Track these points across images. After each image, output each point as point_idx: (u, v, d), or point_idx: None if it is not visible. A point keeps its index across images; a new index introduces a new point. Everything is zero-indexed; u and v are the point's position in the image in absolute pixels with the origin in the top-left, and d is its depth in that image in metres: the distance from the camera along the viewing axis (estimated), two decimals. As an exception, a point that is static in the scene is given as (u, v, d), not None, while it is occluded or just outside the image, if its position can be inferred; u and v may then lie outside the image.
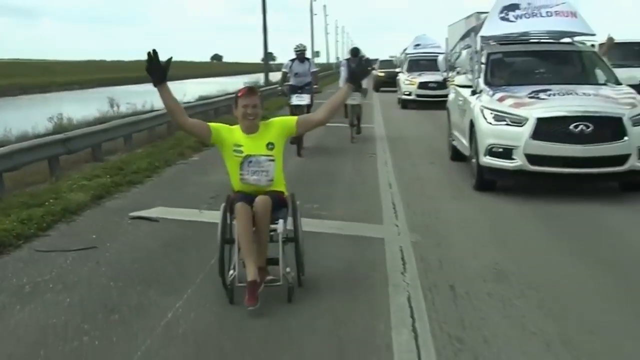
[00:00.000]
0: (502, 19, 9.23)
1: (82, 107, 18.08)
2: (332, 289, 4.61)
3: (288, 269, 4.32)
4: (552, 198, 7.40)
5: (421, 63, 23.13)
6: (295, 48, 11.32)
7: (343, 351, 3.65)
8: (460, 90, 9.55)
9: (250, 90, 4.58)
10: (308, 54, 11.82)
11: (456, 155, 10.02)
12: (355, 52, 13.16)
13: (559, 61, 9.31)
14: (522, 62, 9.33)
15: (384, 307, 4.24)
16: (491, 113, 7.72)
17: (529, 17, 9.13)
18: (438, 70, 21.23)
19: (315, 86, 11.55)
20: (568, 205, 7.09)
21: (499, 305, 4.27)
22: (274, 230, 4.34)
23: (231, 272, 4.32)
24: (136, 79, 49.06)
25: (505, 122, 7.57)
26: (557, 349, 3.61)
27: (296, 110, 10.56)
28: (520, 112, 7.47)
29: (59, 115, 13.70)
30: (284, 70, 11.75)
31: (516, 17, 9.18)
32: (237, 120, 4.46)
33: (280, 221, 4.37)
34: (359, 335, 3.84)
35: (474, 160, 8.14)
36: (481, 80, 8.61)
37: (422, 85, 21.23)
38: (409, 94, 21.59)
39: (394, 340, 3.74)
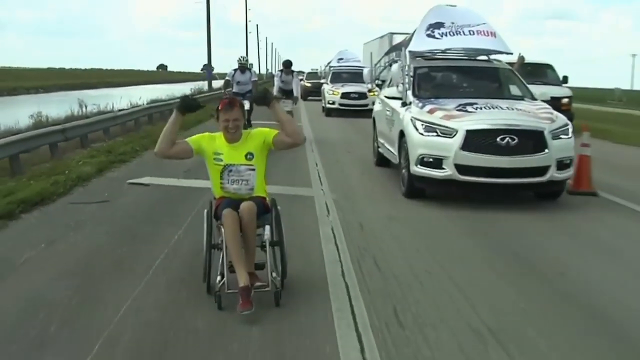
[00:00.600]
0: (428, 35, 9.61)
1: (52, 107, 21.50)
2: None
3: (274, 274, 4.43)
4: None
5: (344, 75, 24.81)
6: (238, 60, 12.88)
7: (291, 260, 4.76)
8: (389, 101, 9.85)
9: (231, 104, 4.51)
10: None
11: (381, 161, 10.64)
12: (287, 64, 14.25)
13: (480, 76, 9.79)
14: (447, 77, 9.76)
15: (316, 235, 6.41)
16: (422, 124, 8.02)
17: (452, 35, 9.56)
18: (359, 82, 22.67)
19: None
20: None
21: (391, 233, 6.67)
22: (259, 234, 4.47)
23: (219, 278, 4.33)
24: (91, 85, 62.54)
25: (435, 134, 7.88)
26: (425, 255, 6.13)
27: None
28: (450, 124, 7.80)
29: (38, 113, 17.05)
30: (227, 78, 13.09)
31: (441, 35, 9.59)
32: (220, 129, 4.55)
33: (267, 227, 4.48)
34: (298, 246, 5.60)
35: (404, 170, 8.44)
36: (409, 93, 8.93)
37: (345, 96, 22.66)
38: (333, 103, 22.91)
39: (323, 250, 5.85)
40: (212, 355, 3.76)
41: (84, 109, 19.43)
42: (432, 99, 8.72)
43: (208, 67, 41.04)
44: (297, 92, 13.99)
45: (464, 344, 3.88)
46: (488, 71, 9.89)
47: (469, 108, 8.19)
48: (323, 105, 24.70)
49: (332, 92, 23.15)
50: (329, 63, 29.65)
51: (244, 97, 11.71)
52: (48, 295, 4.64)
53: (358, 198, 8.50)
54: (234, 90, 12.55)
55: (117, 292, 4.67)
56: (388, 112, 9.87)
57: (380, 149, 10.77)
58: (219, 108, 4.48)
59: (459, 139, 7.65)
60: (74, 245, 5.98)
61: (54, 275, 5.11)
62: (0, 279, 4.99)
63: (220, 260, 4.39)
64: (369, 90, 22.27)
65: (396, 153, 9.05)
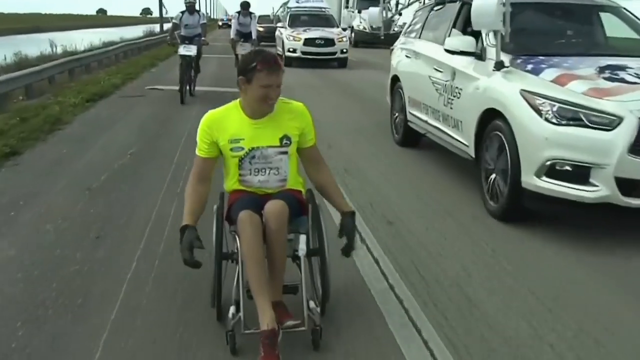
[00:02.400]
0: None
1: (22, 48, 21.78)
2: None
3: (312, 304, 2.94)
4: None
5: (305, 18, 20.90)
6: (185, 1, 11.69)
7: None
8: (439, 56, 6.37)
9: (276, 62, 2.95)
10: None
11: (407, 139, 7.72)
12: (245, 5, 13.43)
13: (583, 21, 6.31)
14: (546, 21, 6.16)
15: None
16: (552, 105, 4.53)
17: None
18: (325, 26, 19.79)
19: (203, 38, 11.81)
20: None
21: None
22: (290, 239, 3.04)
23: (232, 310, 2.89)
24: (41, 29, 65.11)
25: (579, 122, 4.42)
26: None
27: (183, 60, 11.11)
28: (608, 105, 4.35)
29: (19, 52, 19.27)
30: (174, 21, 12.03)
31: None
32: (245, 99, 3.03)
33: (302, 237, 3.04)
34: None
35: (497, 179, 5.00)
36: (496, 46, 5.36)
37: (309, 42, 18.88)
38: (294, 51, 19.12)
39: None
40: None
41: (54, 49, 21.10)
42: (542, 58, 5.20)
43: (161, 6, 36.00)
44: (255, 34, 13.46)
45: None
46: (590, 12, 6.40)
47: (621, 74, 4.74)
48: (279, 53, 20.76)
49: (293, 39, 19.23)
50: (285, 3, 25.51)
51: (192, 42, 11.36)
52: (140, 124, 8.94)
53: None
54: (181, 33, 11.60)
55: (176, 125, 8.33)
56: (439, 75, 6.36)
57: (411, 124, 7.31)
58: (256, 67, 2.90)
59: (626, 133, 4.23)
60: (139, 112, 10.17)
61: (137, 122, 9.13)
62: (112, 125, 8.94)
63: (235, 282, 2.97)
64: (339, 37, 19.22)
65: (470, 144, 5.58)
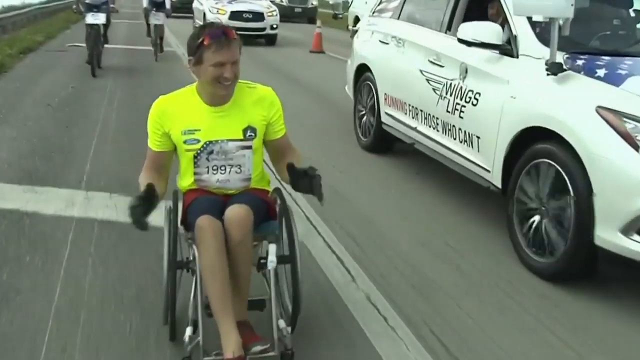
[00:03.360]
0: None
1: None
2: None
3: (282, 323, 2.51)
4: None
5: None
6: None
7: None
8: (440, 46, 4.85)
9: (227, 34, 2.50)
10: None
11: (378, 143, 6.23)
12: None
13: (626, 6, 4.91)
14: (596, 8, 4.64)
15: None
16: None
17: None
18: None
19: (112, 6, 11.33)
20: None
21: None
22: (263, 258, 2.64)
23: (189, 331, 2.44)
24: None
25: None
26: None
27: (91, 29, 10.33)
28: None
29: None
30: None
31: None
32: (200, 84, 2.62)
33: (271, 247, 2.56)
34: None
35: (542, 222, 3.58)
36: (552, 39, 3.85)
37: (235, 16, 16.38)
38: None
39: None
40: None
41: None
42: (609, 59, 3.76)
43: None
44: (169, 4, 12.75)
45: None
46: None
47: None
48: (194, 25, 18.49)
49: (217, 11, 16.73)
50: None
51: (99, 9, 10.52)
52: (72, 70, 10.67)
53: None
54: (87, 1, 10.66)
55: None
56: (436, 70, 4.88)
57: (387, 127, 5.81)
58: (203, 42, 2.49)
59: None
60: (68, 61, 11.58)
61: (69, 68, 10.78)
62: (49, 70, 10.63)
63: (192, 297, 2.52)
64: (269, 10, 17.04)
65: (493, 169, 4.13)
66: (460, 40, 4.35)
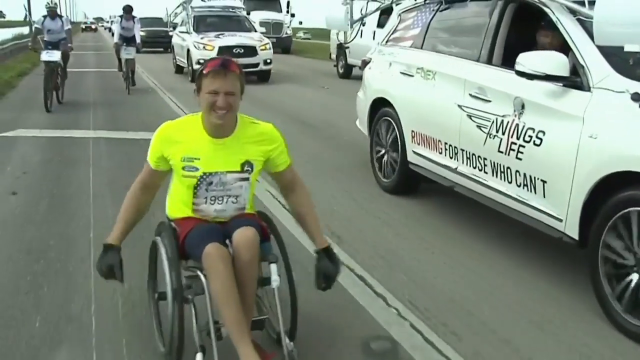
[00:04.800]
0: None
1: None
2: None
3: (288, 341, 2.64)
4: None
5: (213, 20, 16.66)
6: (46, 5, 11.17)
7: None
8: (485, 79, 4.35)
9: (225, 65, 2.62)
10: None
11: (405, 183, 5.71)
12: (128, 9, 13.16)
13: None
14: None
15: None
16: None
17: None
18: (241, 30, 16.26)
19: (69, 45, 11.34)
20: None
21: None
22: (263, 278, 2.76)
23: (199, 357, 2.52)
24: None
25: None
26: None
27: (47, 66, 10.54)
28: None
29: None
30: (36, 26, 11.68)
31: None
32: (201, 109, 2.70)
33: (273, 267, 2.69)
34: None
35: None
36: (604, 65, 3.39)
37: (225, 51, 14.63)
38: None
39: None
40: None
41: None
42: None
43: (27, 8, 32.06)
44: (139, 38, 13.10)
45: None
46: None
47: None
48: (175, 62, 17.76)
49: (204, 47, 14.98)
50: (184, 2, 20.43)
51: (56, 47, 10.85)
52: None
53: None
54: (45, 38, 11.14)
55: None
56: (481, 106, 4.44)
57: (417, 167, 5.31)
58: (203, 72, 2.65)
59: None
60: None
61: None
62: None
63: (195, 324, 2.59)
64: (262, 44, 15.61)
65: (569, 218, 3.61)
66: (520, 73, 3.83)
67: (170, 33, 27.07)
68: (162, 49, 26.58)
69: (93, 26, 71.65)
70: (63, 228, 4.69)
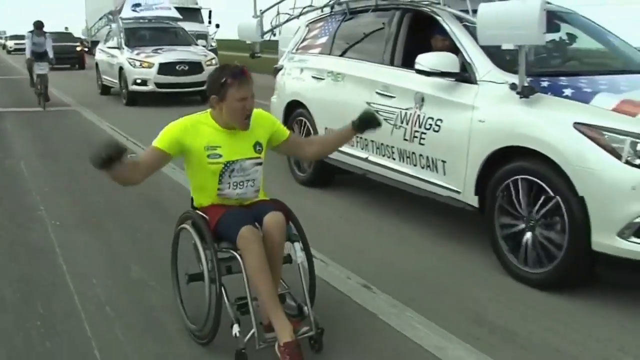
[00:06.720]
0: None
1: None
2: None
3: (306, 310, 2.96)
4: None
5: (146, 33, 14.80)
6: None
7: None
8: (389, 78, 4.99)
9: (244, 73, 2.90)
10: None
11: (320, 176, 6.28)
12: (39, 24, 13.01)
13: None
14: None
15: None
16: (634, 142, 3.36)
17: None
18: (178, 44, 14.34)
19: None
20: None
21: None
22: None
23: (236, 328, 2.79)
24: None
25: None
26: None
27: None
28: None
29: None
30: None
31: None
32: (220, 116, 2.96)
33: (296, 245, 3.03)
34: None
35: (532, 236, 3.77)
36: (520, 65, 4.10)
37: (166, 69, 13.02)
38: (144, 83, 12.99)
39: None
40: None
41: None
42: (567, 79, 4.04)
43: None
44: (51, 53, 13.01)
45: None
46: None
47: None
48: (100, 82, 15.54)
49: (140, 64, 13.07)
50: (109, 13, 17.66)
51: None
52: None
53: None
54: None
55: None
56: (386, 102, 5.05)
57: (331, 160, 5.84)
58: (227, 82, 2.86)
59: None
60: None
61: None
62: None
63: (226, 300, 2.85)
64: (207, 59, 13.78)
65: (464, 190, 4.29)
66: (419, 71, 4.49)
67: (79, 48, 26.01)
68: (68, 65, 25.00)
69: None
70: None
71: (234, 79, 2.88)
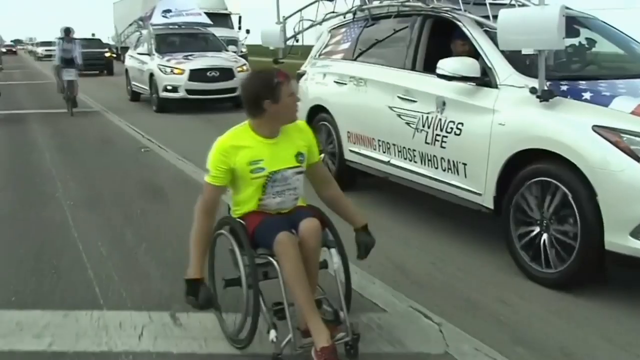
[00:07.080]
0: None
1: None
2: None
3: (342, 315, 2.95)
4: None
5: (177, 39, 14.75)
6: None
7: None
8: (411, 83, 5.10)
9: (284, 72, 2.99)
10: None
11: (343, 179, 6.15)
12: (68, 31, 13.22)
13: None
14: None
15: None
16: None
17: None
18: (209, 50, 14.20)
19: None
20: None
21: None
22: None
23: (273, 333, 2.82)
24: None
25: None
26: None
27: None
28: None
29: None
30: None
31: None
32: (267, 121, 2.96)
33: (333, 251, 3.02)
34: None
35: (550, 235, 3.85)
36: (540, 70, 4.17)
37: (197, 75, 12.86)
38: (174, 90, 12.85)
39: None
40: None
41: None
42: (586, 83, 4.12)
43: None
44: (80, 59, 13.13)
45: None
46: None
47: None
48: (130, 88, 15.51)
49: (172, 71, 12.96)
50: (140, 19, 17.75)
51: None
52: None
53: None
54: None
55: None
56: (408, 106, 5.15)
57: (353, 163, 5.95)
58: (279, 81, 2.91)
59: None
60: None
61: None
62: None
63: (263, 305, 2.88)
64: (239, 65, 13.56)
65: (485, 192, 4.37)
66: (440, 76, 4.59)
67: (107, 54, 26.21)
68: (97, 71, 25.37)
69: (13, 49, 67.35)
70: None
71: (284, 76, 2.94)
